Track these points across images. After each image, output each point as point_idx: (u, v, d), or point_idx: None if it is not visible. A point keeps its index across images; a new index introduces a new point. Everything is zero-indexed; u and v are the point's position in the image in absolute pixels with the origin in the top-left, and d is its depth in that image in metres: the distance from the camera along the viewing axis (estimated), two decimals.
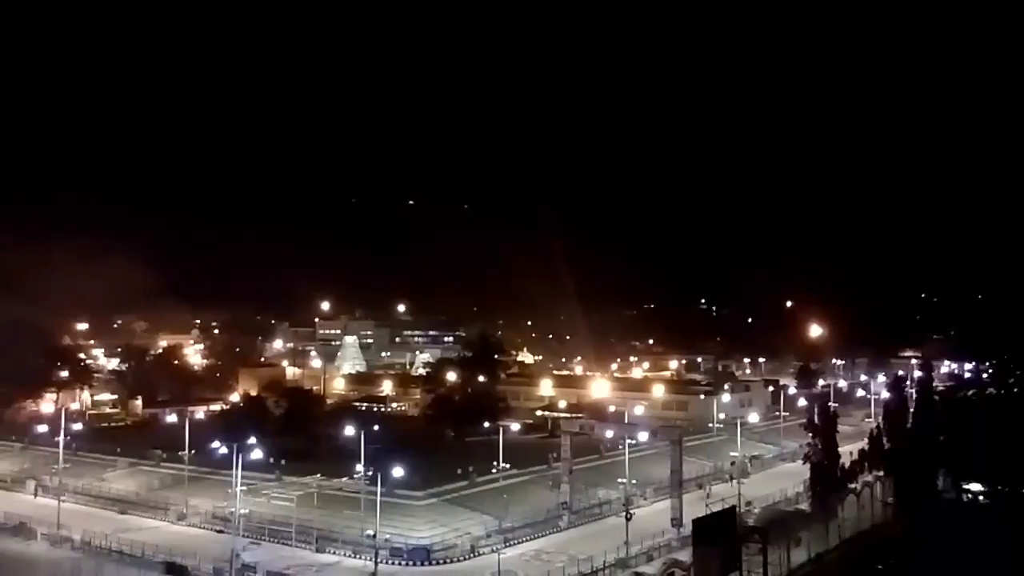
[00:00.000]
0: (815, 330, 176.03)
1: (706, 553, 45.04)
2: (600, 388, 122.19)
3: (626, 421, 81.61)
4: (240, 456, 56.31)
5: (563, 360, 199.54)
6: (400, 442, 76.36)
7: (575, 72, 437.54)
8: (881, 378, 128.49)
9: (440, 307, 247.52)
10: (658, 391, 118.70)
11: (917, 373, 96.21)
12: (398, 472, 57.92)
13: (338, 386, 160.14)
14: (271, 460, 72.25)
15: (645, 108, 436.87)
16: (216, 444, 70.44)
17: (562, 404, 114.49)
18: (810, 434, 67.92)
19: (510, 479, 68.88)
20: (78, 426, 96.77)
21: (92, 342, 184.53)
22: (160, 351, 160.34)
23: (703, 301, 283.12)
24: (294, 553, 56.44)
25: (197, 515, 66.34)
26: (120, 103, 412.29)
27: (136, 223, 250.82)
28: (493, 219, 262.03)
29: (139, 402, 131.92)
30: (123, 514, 68.89)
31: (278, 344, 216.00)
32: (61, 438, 72.55)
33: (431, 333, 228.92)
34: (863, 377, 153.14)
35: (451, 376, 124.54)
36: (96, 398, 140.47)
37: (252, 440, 66.59)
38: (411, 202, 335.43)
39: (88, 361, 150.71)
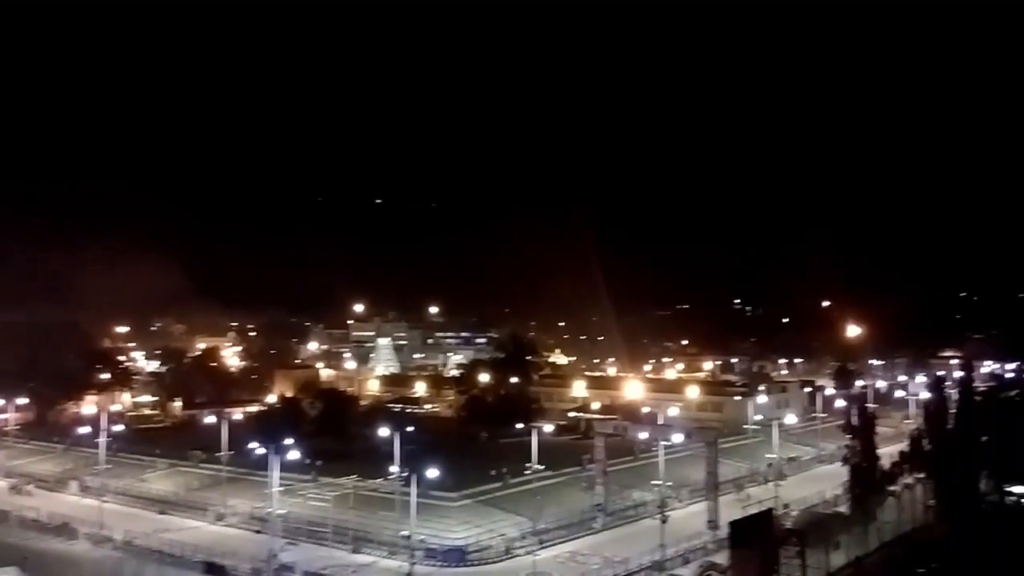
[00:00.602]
0: (852, 330, 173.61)
1: (743, 556, 44.52)
2: (634, 389, 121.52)
3: (660, 422, 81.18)
4: (277, 457, 57.00)
5: (596, 361, 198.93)
6: (434, 443, 76.69)
7: (608, 71, 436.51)
8: (921, 379, 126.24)
9: (472, 309, 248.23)
10: (692, 392, 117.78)
11: (958, 373, 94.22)
12: (432, 473, 58.12)
13: (372, 387, 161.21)
14: (307, 461, 72.82)
15: (678, 105, 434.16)
16: (253, 445, 71.44)
17: (595, 405, 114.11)
18: (848, 436, 66.87)
19: (544, 480, 68.75)
20: (119, 428, 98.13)
21: (132, 345, 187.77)
22: (198, 353, 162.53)
23: (738, 301, 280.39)
24: (331, 553, 56.94)
25: (235, 515, 67.21)
26: (157, 109, 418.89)
27: (173, 227, 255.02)
28: (526, 220, 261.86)
29: (178, 404, 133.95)
30: (163, 514, 70.05)
31: (313, 346, 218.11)
32: (102, 439, 73.86)
33: (463, 335, 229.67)
34: (902, 378, 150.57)
35: (484, 377, 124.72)
36: (136, 400, 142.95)
37: (288, 441, 67.36)
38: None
39: (128, 363, 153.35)
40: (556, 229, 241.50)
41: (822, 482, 76.24)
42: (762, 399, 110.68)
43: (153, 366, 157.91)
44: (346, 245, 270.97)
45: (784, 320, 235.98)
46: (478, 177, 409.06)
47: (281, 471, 58.04)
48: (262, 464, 60.45)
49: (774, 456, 79.89)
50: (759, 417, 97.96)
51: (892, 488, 65.57)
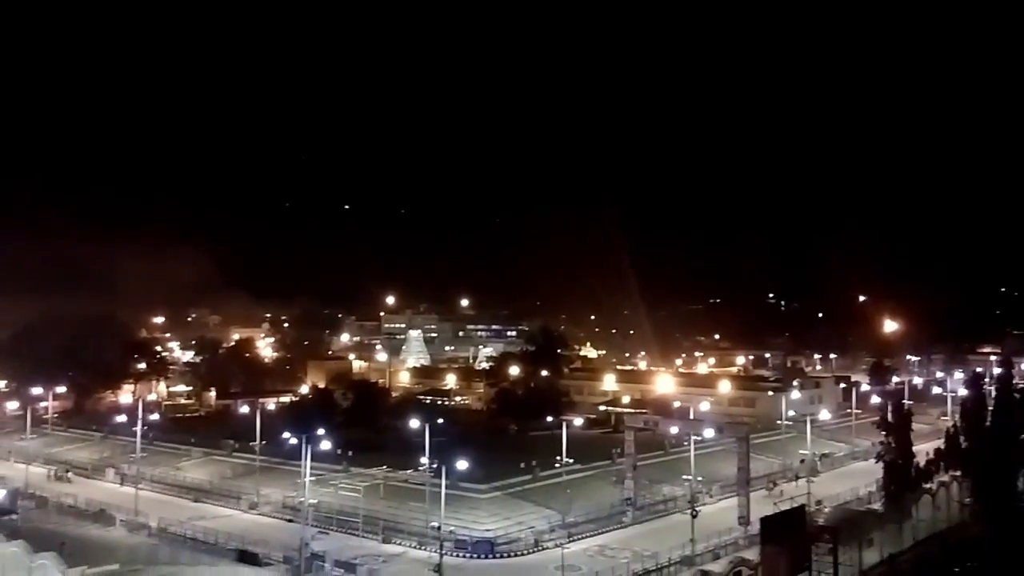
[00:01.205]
0: (889, 325, 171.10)
1: (774, 552, 44.21)
2: (665, 383, 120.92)
3: (691, 417, 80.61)
4: (309, 447, 57.56)
5: (627, 355, 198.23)
6: (464, 435, 76.99)
7: (637, 63, 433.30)
8: (958, 375, 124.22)
9: (503, 301, 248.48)
10: (724, 387, 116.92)
11: (997, 370, 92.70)
12: (462, 465, 58.34)
13: (403, 379, 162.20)
14: (339, 451, 73.68)
15: (714, 94, 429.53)
16: (286, 435, 72.25)
17: (626, 399, 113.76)
18: (883, 432, 66.02)
19: (573, 474, 68.69)
20: (155, 417, 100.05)
21: (168, 335, 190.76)
22: (232, 344, 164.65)
23: (771, 295, 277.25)
24: (361, 543, 57.37)
25: (268, 504, 67.99)
26: (191, 105, 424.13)
27: (207, 220, 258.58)
28: (558, 213, 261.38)
29: (212, 393, 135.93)
30: (197, 502, 71.07)
31: (345, 338, 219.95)
32: (139, 428, 75.10)
33: (494, 327, 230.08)
34: (939, 374, 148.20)
35: (514, 370, 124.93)
36: (172, 389, 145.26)
37: (320, 431, 68.06)
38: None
39: (164, 354, 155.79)
40: (588, 222, 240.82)
41: (856, 479, 75.32)
42: (795, 394, 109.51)
43: (188, 356, 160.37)
44: (378, 238, 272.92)
45: (819, 315, 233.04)
46: (510, 170, 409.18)
47: (313, 461, 58.64)
48: (294, 454, 61.12)
49: (807, 452, 79.05)
50: (792, 413, 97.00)
51: (928, 486, 64.68)
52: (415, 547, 56.33)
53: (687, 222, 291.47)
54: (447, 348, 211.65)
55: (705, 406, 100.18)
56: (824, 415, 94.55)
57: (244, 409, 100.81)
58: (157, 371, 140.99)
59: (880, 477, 66.29)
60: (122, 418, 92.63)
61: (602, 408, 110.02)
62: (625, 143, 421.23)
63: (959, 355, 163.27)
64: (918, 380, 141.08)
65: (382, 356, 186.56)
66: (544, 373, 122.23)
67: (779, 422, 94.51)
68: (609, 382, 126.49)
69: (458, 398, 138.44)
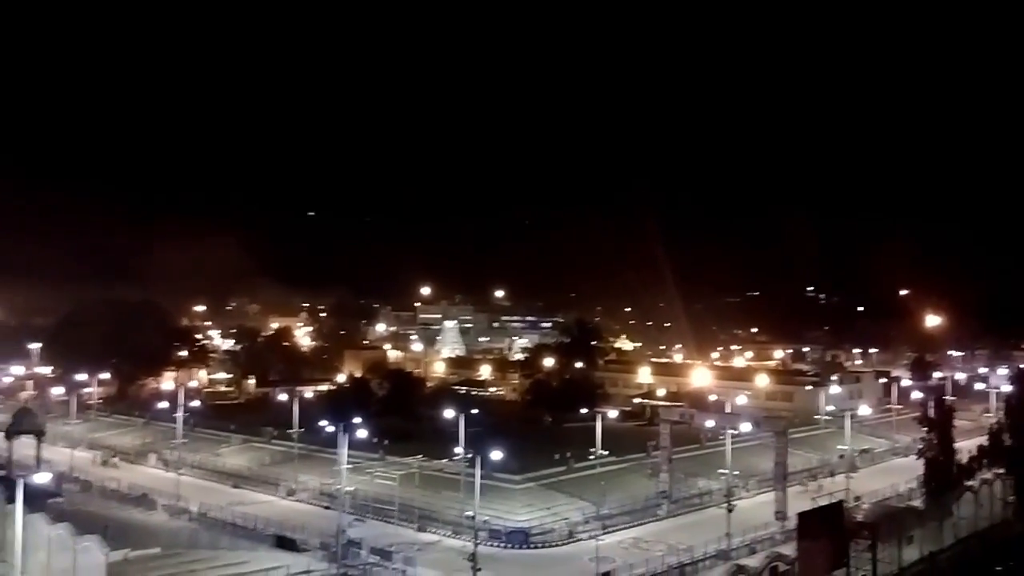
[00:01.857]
0: (931, 319, 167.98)
1: (811, 547, 43.71)
2: (701, 376, 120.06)
3: (728, 411, 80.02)
4: (346, 435, 58.17)
5: (662, 348, 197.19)
6: (498, 426, 77.21)
7: (677, 49, 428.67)
8: (1002, 371, 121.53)
9: (538, 293, 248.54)
10: (762, 381, 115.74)
11: None
12: (496, 455, 58.49)
13: (438, 369, 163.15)
14: (374, 440, 74.38)
15: (750, 82, 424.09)
16: (323, 423, 73.09)
17: (661, 392, 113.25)
18: (924, 428, 64.89)
19: (608, 466, 68.55)
20: (195, 403, 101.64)
21: (208, 323, 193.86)
22: (271, 333, 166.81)
23: (811, 288, 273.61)
24: (397, 531, 57.90)
25: (305, 491, 68.86)
26: (228, 96, 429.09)
27: (245, 210, 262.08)
28: (594, 205, 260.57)
29: (252, 381, 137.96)
30: (236, 488, 72.16)
31: (381, 328, 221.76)
32: (180, 415, 76.38)
33: (529, 319, 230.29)
34: (983, 370, 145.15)
35: (549, 361, 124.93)
36: (212, 377, 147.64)
37: (357, 420, 68.74)
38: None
39: (205, 342, 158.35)
40: (624, 214, 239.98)
41: (896, 475, 74.22)
42: (834, 389, 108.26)
43: (229, 344, 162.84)
44: (414, 229, 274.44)
45: (859, 308, 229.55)
46: (548, 162, 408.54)
47: (350, 449, 59.22)
48: (331, 442, 61.78)
49: (846, 447, 77.99)
50: (831, 407, 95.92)
51: (969, 483, 63.46)
52: (450, 536, 56.71)
53: (725, 214, 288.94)
54: (482, 339, 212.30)
55: (742, 400, 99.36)
56: (864, 410, 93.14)
57: (282, 397, 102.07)
58: (198, 359, 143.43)
59: (921, 474, 65.27)
60: (164, 404, 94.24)
61: (637, 401, 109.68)
62: (663, 134, 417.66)
63: (1003, 350, 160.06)
64: (961, 376, 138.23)
65: (418, 346, 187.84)
66: (579, 365, 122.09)
67: (817, 417, 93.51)
68: (644, 375, 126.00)
69: (493, 389, 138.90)
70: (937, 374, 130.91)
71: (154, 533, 51.73)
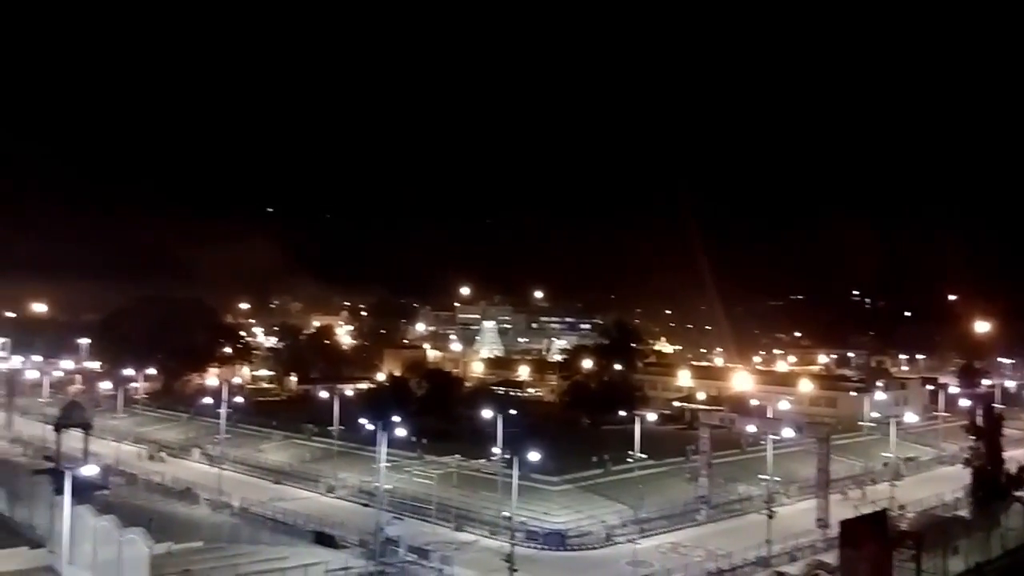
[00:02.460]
0: (980, 325, 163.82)
1: (853, 556, 42.90)
2: (742, 381, 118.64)
3: (769, 416, 78.93)
4: (385, 433, 58.56)
5: (703, 351, 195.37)
6: (536, 427, 77.10)
7: (718, 46, 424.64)
8: None
9: (577, 294, 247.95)
10: (805, 386, 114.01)
11: None
12: (534, 457, 58.40)
13: (476, 369, 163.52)
14: (413, 439, 74.76)
15: (792, 81, 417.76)
16: (363, 421, 73.65)
17: (701, 396, 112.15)
18: (972, 436, 63.38)
19: (646, 469, 68.06)
20: (238, 399, 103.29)
21: (252, 321, 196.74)
22: (313, 331, 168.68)
23: (856, 293, 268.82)
24: (434, 530, 58.12)
25: (344, 488, 69.47)
26: (274, 100, 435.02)
27: (289, 210, 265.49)
28: (634, 205, 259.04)
29: (293, 378, 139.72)
30: (277, 484, 73.09)
31: (420, 327, 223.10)
32: (223, 410, 77.60)
33: (568, 320, 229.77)
34: None
35: (587, 363, 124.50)
36: (255, 374, 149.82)
37: (396, 419, 69.18)
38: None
39: (248, 339, 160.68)
40: (665, 215, 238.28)
41: (942, 484, 72.55)
42: (880, 395, 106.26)
43: (271, 342, 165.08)
44: (454, 228, 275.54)
45: (906, 313, 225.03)
46: (587, 162, 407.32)
47: (388, 447, 59.61)
48: (371, 440, 62.22)
49: (890, 455, 76.58)
50: (876, 414, 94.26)
51: (1018, 493, 61.82)
52: (486, 536, 56.76)
53: (769, 215, 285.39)
54: (520, 340, 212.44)
55: (784, 405, 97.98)
56: (910, 417, 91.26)
57: (323, 394, 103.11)
58: (241, 355, 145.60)
59: (967, 483, 63.78)
60: (208, 400, 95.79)
61: (676, 404, 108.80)
62: (707, 132, 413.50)
63: None
64: (1010, 383, 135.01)
65: (456, 346, 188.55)
66: (618, 367, 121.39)
67: (862, 424, 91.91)
68: (684, 378, 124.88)
69: (531, 390, 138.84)
70: (986, 381, 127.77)
71: (197, 527, 52.50)
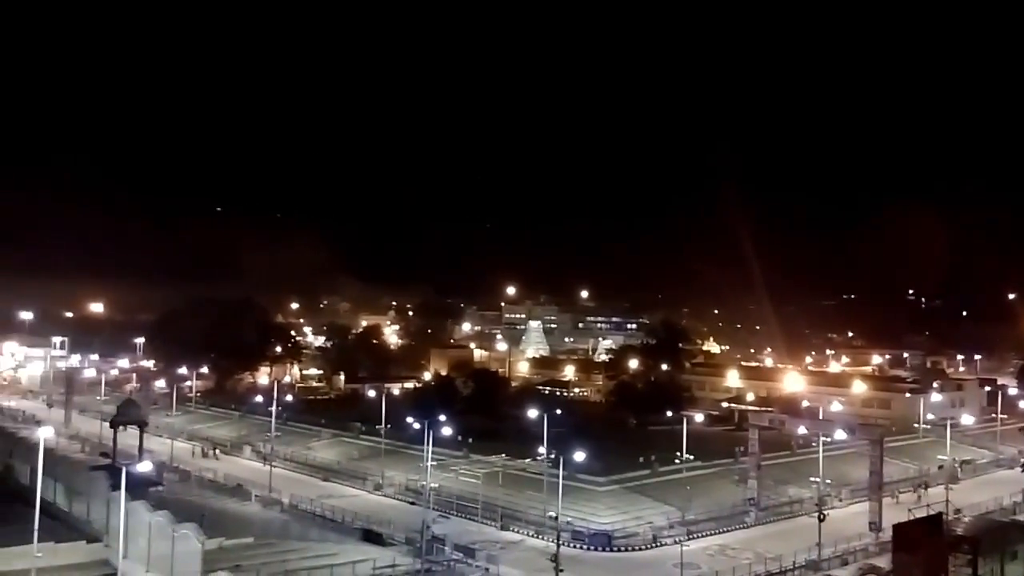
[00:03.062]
0: None
1: (907, 561, 42.08)
2: (793, 381, 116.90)
3: (821, 417, 77.59)
4: (431, 432, 58.90)
5: (752, 351, 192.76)
6: (582, 427, 76.91)
7: (766, 37, 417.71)
8: None
9: (624, 293, 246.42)
10: (858, 387, 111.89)
11: None
12: (580, 456, 58.28)
13: (522, 369, 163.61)
14: (459, 437, 75.17)
15: (844, 74, 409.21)
16: (410, 420, 74.13)
17: (750, 397, 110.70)
18: None
19: (694, 471, 67.47)
20: (288, 398, 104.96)
21: (301, 321, 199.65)
22: (360, 331, 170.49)
23: (911, 292, 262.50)
24: (480, 528, 58.29)
25: (392, 486, 70.03)
26: (315, 99, 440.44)
27: (340, 214, 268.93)
28: (681, 205, 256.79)
29: (342, 377, 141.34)
30: (326, 481, 73.97)
31: (466, 327, 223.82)
32: (274, 409, 78.80)
33: (614, 320, 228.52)
34: None
35: (634, 363, 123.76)
36: (304, 372, 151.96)
37: (442, 418, 69.60)
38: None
39: (298, 338, 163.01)
40: (713, 213, 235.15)
41: (999, 488, 70.69)
42: (935, 397, 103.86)
43: (320, 341, 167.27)
44: (499, 228, 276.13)
45: (963, 312, 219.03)
46: (632, 160, 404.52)
47: (434, 446, 60.00)
48: (417, 438, 62.72)
49: (946, 458, 74.73)
50: (931, 416, 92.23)
51: None
52: (532, 536, 56.74)
53: (819, 214, 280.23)
54: (566, 339, 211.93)
55: (836, 406, 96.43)
56: (966, 419, 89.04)
57: (371, 393, 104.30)
58: (291, 355, 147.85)
59: None
60: (259, 399, 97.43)
61: (725, 405, 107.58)
62: (755, 127, 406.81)
63: None
64: None
65: (502, 346, 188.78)
66: (665, 367, 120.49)
67: (916, 426, 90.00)
68: (733, 378, 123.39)
69: (577, 389, 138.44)
70: None
71: (248, 523, 53.39)
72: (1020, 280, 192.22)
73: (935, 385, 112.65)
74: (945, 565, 43.57)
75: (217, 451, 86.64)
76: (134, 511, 41.49)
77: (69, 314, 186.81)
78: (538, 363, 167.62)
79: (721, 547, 55.16)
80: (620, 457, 69.30)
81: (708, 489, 65.51)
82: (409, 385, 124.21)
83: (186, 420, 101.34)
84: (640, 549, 55.11)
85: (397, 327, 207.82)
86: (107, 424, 75.63)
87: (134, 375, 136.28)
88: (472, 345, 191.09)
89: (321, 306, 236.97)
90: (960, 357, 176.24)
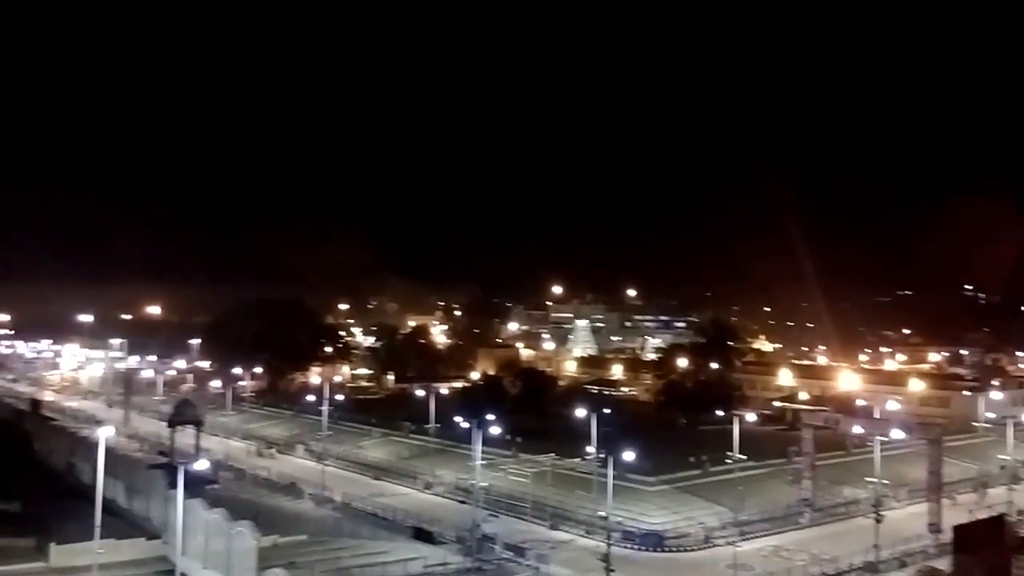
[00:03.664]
0: None
1: (968, 563, 41.03)
2: (847, 380, 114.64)
3: (877, 416, 75.99)
4: (480, 432, 59.09)
5: (805, 349, 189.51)
6: (631, 426, 76.34)
7: (815, 28, 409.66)
8: None
9: (672, 291, 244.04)
10: (915, 385, 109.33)
11: None
12: (629, 456, 57.85)
13: (569, 368, 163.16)
14: (507, 437, 75.22)
15: (899, 63, 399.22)
16: (458, 419, 74.40)
17: (803, 396, 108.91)
18: None
19: (746, 471, 66.48)
20: (339, 397, 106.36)
21: (351, 321, 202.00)
22: (409, 331, 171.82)
23: (969, 287, 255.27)
24: (530, 528, 58.32)
25: (441, 485, 70.46)
26: (363, 106, 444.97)
27: (387, 216, 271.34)
28: (731, 199, 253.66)
29: (391, 377, 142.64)
30: (376, 480, 74.75)
31: (513, 326, 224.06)
32: (325, 408, 79.80)
33: (662, 318, 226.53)
34: None
35: (683, 362, 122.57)
36: (355, 372, 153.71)
37: (491, 417, 69.73)
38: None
39: (348, 339, 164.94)
40: (764, 209, 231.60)
41: None
42: (996, 395, 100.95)
43: (370, 341, 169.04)
44: (546, 227, 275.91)
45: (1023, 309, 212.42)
46: (681, 156, 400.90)
47: (483, 445, 60.13)
48: (466, 438, 62.89)
49: (1008, 458, 72.56)
50: (992, 415, 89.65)
51: None
52: (582, 535, 56.58)
53: (871, 208, 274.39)
54: (614, 338, 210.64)
55: (892, 405, 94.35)
56: None
57: (420, 393, 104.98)
58: (342, 355, 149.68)
59: None
60: (310, 398, 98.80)
61: (777, 404, 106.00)
62: (806, 118, 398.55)
63: None
64: None
65: (550, 345, 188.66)
66: (715, 366, 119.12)
67: (976, 424, 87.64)
68: (785, 377, 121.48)
69: (625, 389, 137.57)
70: None
71: (301, 521, 54.15)
72: None
73: (995, 383, 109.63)
74: (1008, 567, 42.38)
75: (272, 450, 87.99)
76: (191, 509, 42.35)
77: (127, 317, 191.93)
78: (586, 362, 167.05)
79: (775, 548, 54.36)
80: (670, 457, 68.70)
81: (761, 489, 64.57)
82: (457, 385, 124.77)
83: (240, 420, 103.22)
84: (692, 550, 54.60)
85: (444, 327, 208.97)
86: (164, 424, 77.39)
87: (190, 376, 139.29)
88: (519, 345, 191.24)
89: (369, 307, 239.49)
90: (1021, 354, 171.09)
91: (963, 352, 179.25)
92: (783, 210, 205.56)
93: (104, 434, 43.99)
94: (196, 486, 46.65)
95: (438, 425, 79.46)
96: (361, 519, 58.68)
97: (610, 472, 49.92)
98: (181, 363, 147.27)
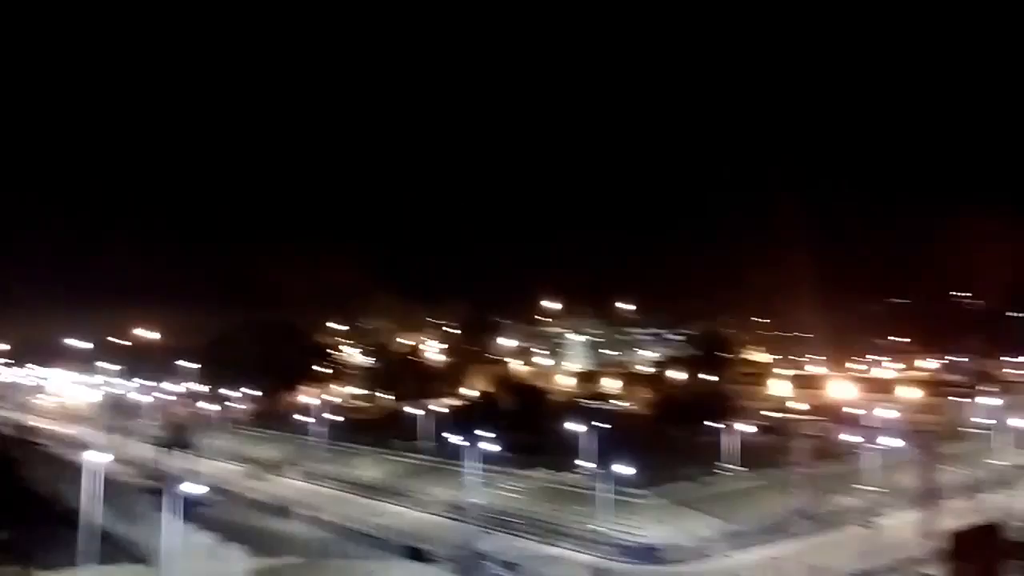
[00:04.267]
0: None
1: (962, 569, 40.87)
2: (841, 389, 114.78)
3: (871, 424, 76.00)
4: (474, 449, 58.87)
5: (799, 359, 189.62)
6: (626, 440, 76.02)
7: (817, 35, 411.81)
8: None
9: (666, 304, 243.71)
10: (909, 393, 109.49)
11: None
12: (624, 470, 57.72)
13: (563, 382, 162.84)
14: (502, 453, 74.86)
15: (894, 70, 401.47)
16: (452, 436, 74.22)
17: (799, 405, 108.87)
18: None
19: (741, 482, 66.37)
20: (334, 417, 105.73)
21: (346, 341, 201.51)
22: (404, 349, 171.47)
23: (964, 295, 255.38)
24: (525, 544, 57.98)
25: (435, 503, 70.12)
26: (352, 124, 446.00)
27: (375, 233, 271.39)
28: (723, 210, 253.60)
29: (387, 396, 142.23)
30: (370, 499, 74.33)
31: (507, 342, 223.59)
32: (318, 429, 79.38)
33: (656, 331, 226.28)
34: None
35: (677, 374, 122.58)
36: (350, 392, 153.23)
37: (484, 433, 69.54)
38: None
39: (342, 358, 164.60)
40: (758, 219, 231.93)
41: None
42: (988, 401, 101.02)
43: (364, 360, 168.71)
44: (536, 240, 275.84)
45: (1019, 316, 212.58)
46: (671, 166, 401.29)
47: (477, 462, 59.89)
48: (459, 455, 62.62)
49: (1002, 463, 72.56)
50: (985, 421, 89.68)
51: None
52: (578, 551, 56.27)
53: (866, 216, 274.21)
54: (607, 352, 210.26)
55: (887, 413, 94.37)
56: (1022, 423, 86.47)
57: (413, 411, 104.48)
58: (335, 375, 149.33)
59: None
60: (304, 419, 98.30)
61: (772, 414, 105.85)
62: (799, 124, 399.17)
63: None
64: None
65: (544, 360, 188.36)
66: (709, 378, 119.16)
67: (970, 431, 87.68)
68: (780, 387, 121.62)
69: (620, 402, 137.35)
70: None
71: (292, 542, 53.89)
72: None
73: (988, 389, 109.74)
74: (1003, 573, 42.28)
75: (265, 472, 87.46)
76: (181, 532, 42.08)
77: (121, 342, 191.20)
78: (579, 376, 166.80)
79: (770, 559, 54.14)
80: (665, 469, 68.40)
81: (756, 500, 64.46)
82: (452, 402, 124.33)
83: (234, 442, 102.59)
84: (687, 562, 54.33)
85: (437, 344, 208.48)
86: (157, 447, 77.02)
87: (183, 399, 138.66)
88: (512, 360, 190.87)
89: (362, 326, 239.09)
90: (1015, 360, 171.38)
91: (956, 359, 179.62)
92: (776, 221, 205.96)
93: (93, 459, 43.81)
94: (186, 509, 46.38)
95: (432, 443, 79.10)
96: (354, 539, 58.36)
97: (605, 486, 49.85)
98: (174, 387, 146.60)
